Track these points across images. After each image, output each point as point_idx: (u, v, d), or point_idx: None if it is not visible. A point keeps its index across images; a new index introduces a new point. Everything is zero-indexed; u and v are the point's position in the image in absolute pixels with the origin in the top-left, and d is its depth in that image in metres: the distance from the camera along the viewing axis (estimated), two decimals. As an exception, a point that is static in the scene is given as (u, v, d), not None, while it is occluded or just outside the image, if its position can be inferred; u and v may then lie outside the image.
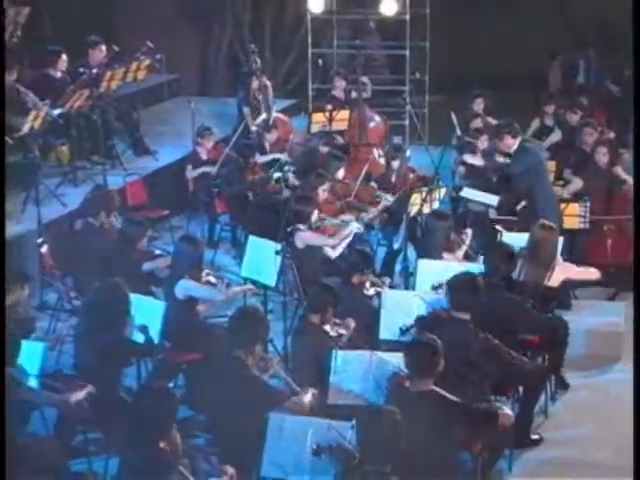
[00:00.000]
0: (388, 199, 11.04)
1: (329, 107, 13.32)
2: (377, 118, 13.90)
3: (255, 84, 13.82)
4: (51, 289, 9.84)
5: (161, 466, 5.75)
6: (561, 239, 9.13)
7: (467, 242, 9.53)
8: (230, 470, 6.17)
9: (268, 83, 14.07)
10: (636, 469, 5.59)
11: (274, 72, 17.36)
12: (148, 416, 5.91)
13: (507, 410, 6.92)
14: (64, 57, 12.68)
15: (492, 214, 10.82)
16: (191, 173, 12.38)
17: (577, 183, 11.33)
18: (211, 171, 12.16)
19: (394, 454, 5.76)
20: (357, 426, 5.89)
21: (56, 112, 11.73)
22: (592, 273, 8.97)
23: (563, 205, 10.55)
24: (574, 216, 10.55)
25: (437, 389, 6.53)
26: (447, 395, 6.52)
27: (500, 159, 10.77)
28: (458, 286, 7.45)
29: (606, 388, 8.61)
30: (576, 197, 10.98)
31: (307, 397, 6.93)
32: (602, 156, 11.28)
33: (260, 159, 12.41)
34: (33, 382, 7.20)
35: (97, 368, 7.61)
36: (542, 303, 8.35)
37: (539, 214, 9.65)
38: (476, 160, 11.47)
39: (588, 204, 10.56)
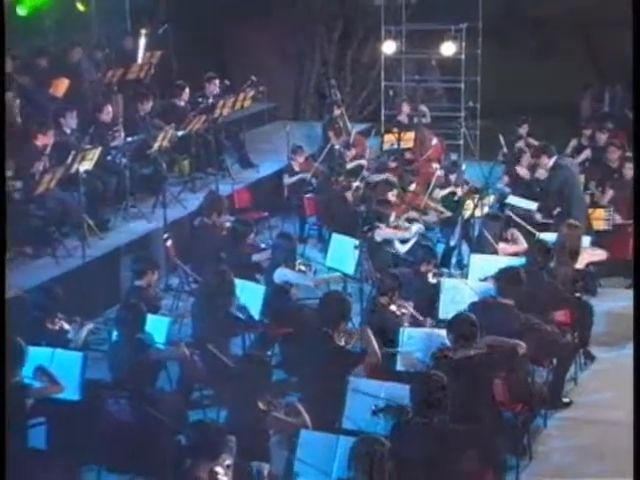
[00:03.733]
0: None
1: (395, 130, 13.34)
2: (435, 139, 13.87)
3: (337, 112, 13.85)
4: (174, 275, 9.94)
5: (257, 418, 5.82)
6: (589, 238, 9.07)
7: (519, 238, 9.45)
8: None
9: (343, 111, 14.08)
10: (636, 469, 5.47)
11: (353, 101, 17.35)
12: (247, 379, 5.96)
13: (518, 342, 6.92)
14: (187, 90, 12.82)
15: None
16: (288, 180, 12.43)
17: (610, 193, 11.25)
18: (305, 177, 12.25)
19: (441, 410, 5.75)
20: (411, 389, 5.89)
21: (179, 133, 11.86)
22: (599, 255, 8.86)
23: (591, 210, 10.45)
24: (600, 219, 10.46)
25: (476, 352, 6.53)
26: (483, 354, 6.54)
27: (542, 171, 10.74)
28: (505, 278, 7.43)
29: (624, 361, 8.46)
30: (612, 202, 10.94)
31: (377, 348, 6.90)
32: (629, 170, 11.17)
33: (348, 165, 12.48)
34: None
35: (209, 338, 7.69)
36: (570, 284, 8.28)
37: (572, 217, 9.54)
38: (523, 172, 11.36)
39: (612, 209, 10.45)
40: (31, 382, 6.28)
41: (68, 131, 10.83)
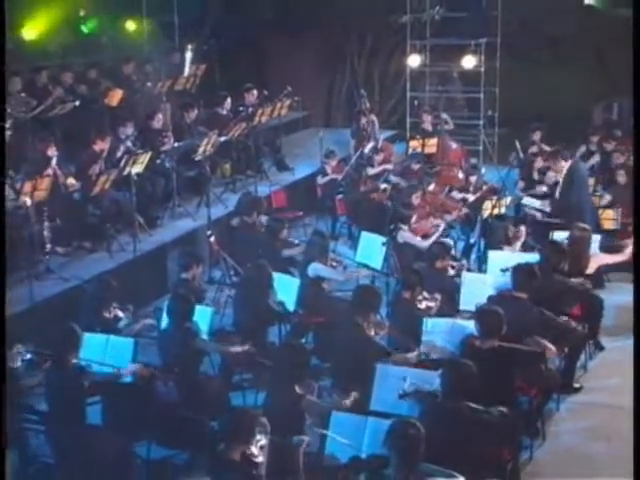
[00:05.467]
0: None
1: (419, 136, 13.28)
2: (455, 145, 13.80)
3: (363, 120, 13.75)
4: (217, 268, 9.95)
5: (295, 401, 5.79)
6: (599, 237, 8.98)
7: (522, 236, 9.34)
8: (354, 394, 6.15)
9: (374, 119, 14.03)
10: (636, 468, 5.41)
11: (381, 110, 17.31)
12: (288, 365, 5.93)
13: (550, 345, 6.87)
14: (229, 100, 12.85)
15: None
16: (321, 180, 12.42)
17: (607, 197, 11.19)
18: (337, 177, 12.23)
19: (469, 395, 5.71)
20: (442, 374, 5.87)
21: (222, 139, 11.88)
22: (624, 255, 8.70)
23: (601, 211, 10.39)
24: (609, 219, 10.40)
25: (502, 344, 6.48)
26: (509, 346, 6.49)
27: (551, 174, 10.67)
28: (519, 272, 7.36)
29: (630, 350, 8.38)
30: (610, 205, 10.81)
31: (412, 355, 6.87)
32: (621, 177, 11.17)
33: (372, 171, 12.44)
34: (204, 337, 7.30)
35: (249, 326, 7.72)
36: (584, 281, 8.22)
37: (581, 218, 9.46)
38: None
39: (620, 210, 10.39)
40: (88, 366, 6.32)
41: (122, 137, 10.92)
